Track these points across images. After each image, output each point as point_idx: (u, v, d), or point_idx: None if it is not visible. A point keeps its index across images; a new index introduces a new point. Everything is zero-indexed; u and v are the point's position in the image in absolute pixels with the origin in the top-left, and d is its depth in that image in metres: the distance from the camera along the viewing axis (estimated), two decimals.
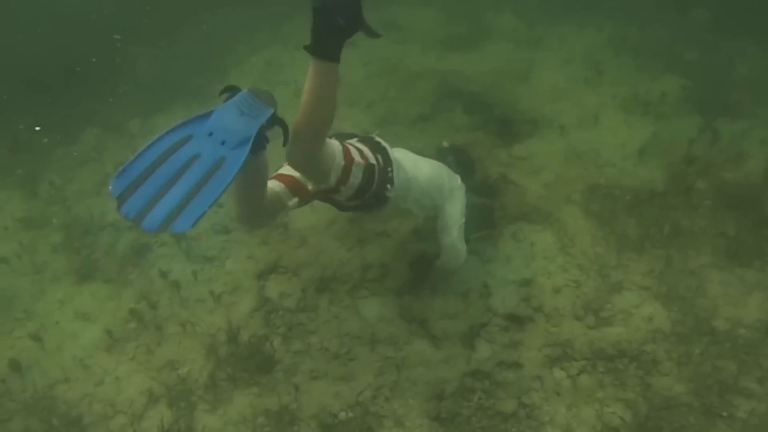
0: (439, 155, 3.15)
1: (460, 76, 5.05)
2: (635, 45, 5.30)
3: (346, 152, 2.20)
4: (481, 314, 3.07)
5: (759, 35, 5.08)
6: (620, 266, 3.18)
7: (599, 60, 5.11)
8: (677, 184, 3.60)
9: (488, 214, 3.53)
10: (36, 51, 5.72)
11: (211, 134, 1.59)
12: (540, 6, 6.11)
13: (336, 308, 3.17)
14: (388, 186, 2.47)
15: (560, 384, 2.74)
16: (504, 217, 3.56)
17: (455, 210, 2.91)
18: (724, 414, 2.50)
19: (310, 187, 2.24)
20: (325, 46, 1.60)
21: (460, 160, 3.22)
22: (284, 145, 1.77)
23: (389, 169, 2.47)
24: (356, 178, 2.24)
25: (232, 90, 1.68)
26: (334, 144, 2.15)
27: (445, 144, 3.34)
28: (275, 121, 1.68)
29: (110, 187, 1.51)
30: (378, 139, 2.58)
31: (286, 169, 2.21)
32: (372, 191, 2.38)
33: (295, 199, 2.23)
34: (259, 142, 1.67)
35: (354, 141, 2.45)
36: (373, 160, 2.35)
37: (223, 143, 1.58)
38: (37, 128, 5.20)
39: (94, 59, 5.73)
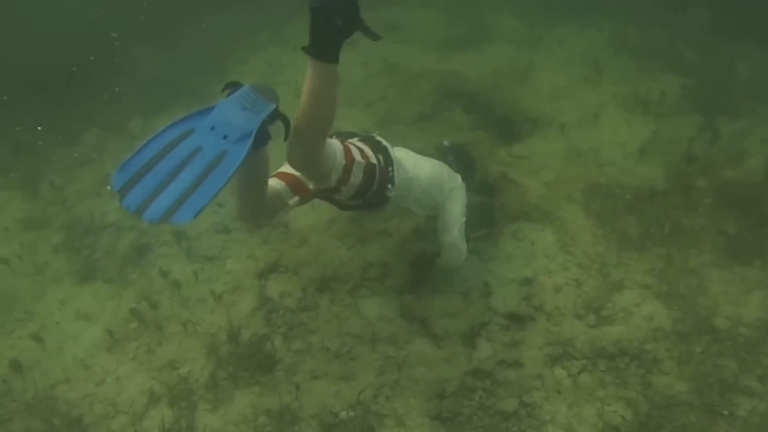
0: (440, 154, 3.15)
1: (460, 75, 5.05)
2: (635, 45, 5.31)
3: (347, 152, 2.20)
4: (482, 313, 3.07)
5: (758, 34, 5.09)
6: (621, 265, 3.18)
7: (599, 60, 5.12)
8: (678, 183, 3.61)
9: (489, 213, 3.53)
10: (36, 51, 5.72)
11: (213, 129, 1.60)
12: (540, 6, 6.12)
13: (337, 307, 3.17)
14: (389, 186, 2.47)
15: (561, 383, 2.74)
16: (504, 216, 3.56)
17: (456, 209, 2.92)
18: (725, 412, 2.50)
19: (310, 186, 2.24)
20: (324, 47, 1.60)
21: (460, 159, 3.22)
22: (285, 139, 1.78)
23: (390, 168, 2.48)
24: (357, 177, 2.24)
25: (234, 86, 1.69)
26: (335, 144, 2.15)
27: (446, 143, 3.34)
28: (277, 116, 1.69)
29: (112, 181, 1.52)
30: (379, 138, 2.58)
31: (287, 168, 2.21)
32: (373, 191, 2.38)
33: (296, 198, 2.23)
34: (261, 138, 1.68)
35: (355, 140, 2.45)
36: (374, 160, 2.35)
37: (225, 137, 1.58)
38: (39, 128, 5.21)
39: (94, 60, 5.73)
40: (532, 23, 5.93)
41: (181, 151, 1.57)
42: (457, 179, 3.04)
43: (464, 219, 2.94)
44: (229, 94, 1.67)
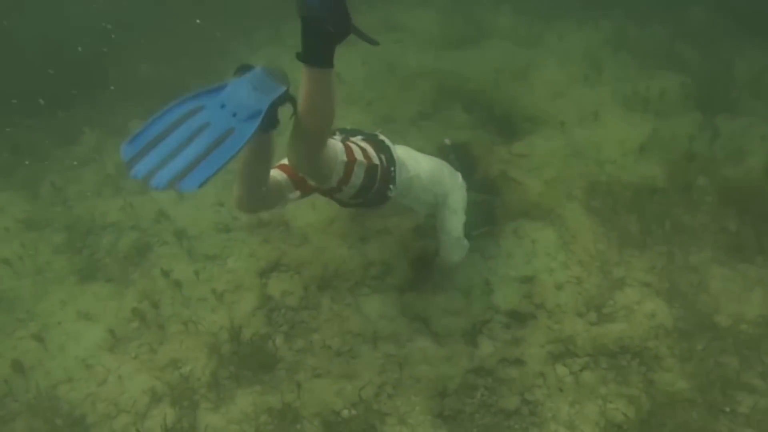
0: (441, 153, 3.15)
1: (459, 74, 5.05)
2: (634, 43, 5.31)
3: (349, 152, 2.20)
4: (483, 311, 3.07)
5: (758, 32, 5.09)
6: (622, 263, 3.18)
7: (599, 58, 5.12)
8: (678, 181, 3.61)
9: (489, 212, 3.53)
10: (36, 52, 5.71)
11: (223, 106, 1.64)
12: (539, 5, 6.12)
13: (338, 306, 3.17)
14: (391, 186, 2.47)
15: (563, 380, 2.74)
16: (505, 214, 3.56)
17: (456, 207, 2.92)
18: (727, 409, 2.50)
19: (312, 182, 2.25)
20: (316, 53, 1.59)
21: (461, 158, 3.23)
22: (291, 117, 1.79)
23: (392, 168, 2.47)
24: (358, 178, 2.24)
25: (246, 68, 1.73)
26: (336, 144, 2.15)
27: (447, 142, 3.35)
28: (287, 98, 1.72)
29: (121, 152, 1.57)
30: (382, 137, 2.58)
31: None
32: (374, 190, 2.38)
33: (297, 192, 2.24)
34: (270, 120, 1.70)
35: (358, 139, 2.45)
36: (376, 160, 2.35)
37: (234, 115, 1.62)
38: (39, 129, 5.19)
39: (93, 60, 5.73)
40: (532, 22, 5.93)
41: (190, 125, 1.61)
42: (458, 178, 3.04)
43: (464, 218, 2.95)
44: (241, 75, 1.70)
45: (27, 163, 4.84)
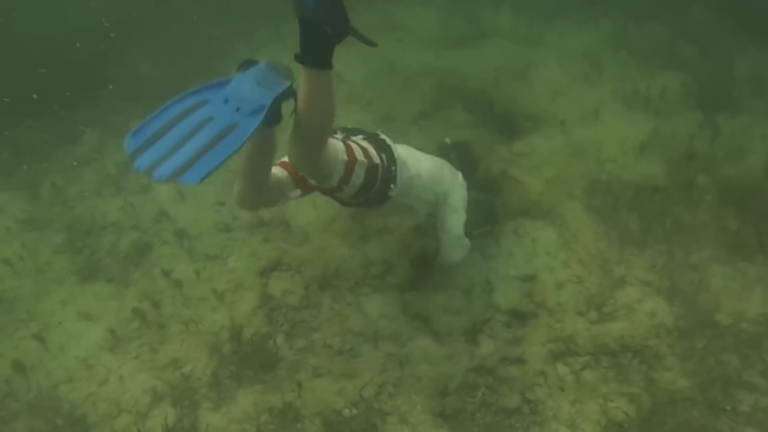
0: (441, 152, 3.15)
1: (460, 73, 5.04)
2: (635, 41, 5.30)
3: (350, 152, 2.19)
4: (484, 310, 3.07)
5: (758, 31, 5.09)
6: (622, 261, 3.18)
7: (599, 56, 5.12)
8: (678, 179, 3.61)
9: (490, 211, 3.53)
10: (36, 52, 5.71)
11: (226, 101, 1.64)
12: (539, 3, 6.11)
13: (339, 305, 3.17)
14: (392, 186, 2.47)
15: (564, 379, 2.74)
16: (505, 213, 3.56)
17: (457, 206, 2.92)
18: (728, 408, 2.50)
19: (312, 181, 2.25)
20: (315, 54, 1.58)
21: (462, 157, 3.22)
22: (291, 115, 1.80)
23: (393, 168, 2.47)
24: (359, 177, 2.23)
25: (250, 63, 1.73)
26: (337, 144, 2.15)
27: (448, 141, 3.35)
28: (291, 94, 1.72)
29: (124, 144, 1.58)
30: (383, 136, 2.58)
31: None
32: (375, 190, 2.38)
33: (298, 191, 2.24)
34: (273, 116, 1.70)
35: (359, 138, 2.44)
36: (377, 160, 2.34)
37: (237, 110, 1.63)
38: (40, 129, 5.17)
39: (94, 60, 5.72)
40: (532, 21, 5.92)
41: (194, 119, 1.62)
42: (458, 177, 3.04)
43: (465, 216, 2.94)
44: (245, 71, 1.71)
45: (26, 164, 4.84)
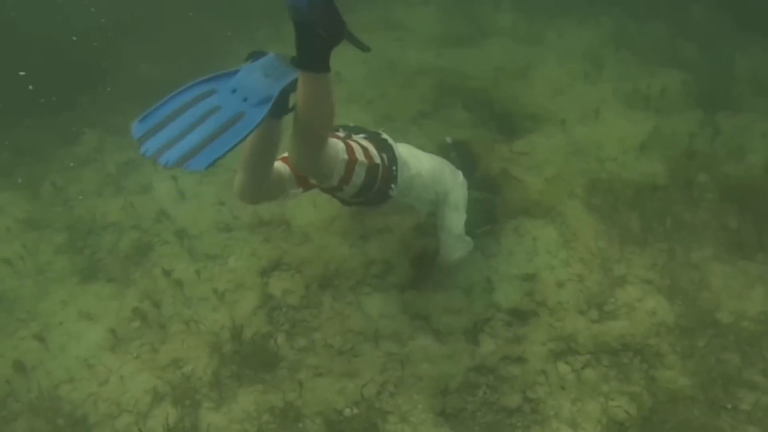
0: (442, 151, 3.15)
1: (460, 72, 5.05)
2: (635, 40, 5.30)
3: (350, 152, 2.19)
4: (485, 309, 3.07)
5: (759, 29, 5.08)
6: (623, 260, 3.18)
7: (599, 55, 5.12)
8: (679, 178, 3.60)
9: (490, 210, 3.53)
10: (36, 52, 5.71)
11: (234, 91, 1.66)
12: (539, 2, 6.11)
13: (339, 305, 3.17)
14: (392, 186, 2.47)
15: (565, 378, 2.74)
16: (506, 212, 3.56)
17: (457, 205, 2.92)
18: (729, 406, 2.50)
19: (313, 180, 2.26)
20: (311, 58, 1.57)
21: (463, 156, 3.22)
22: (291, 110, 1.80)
23: (394, 168, 2.46)
24: (359, 177, 2.23)
25: (258, 54, 1.75)
26: (338, 144, 2.15)
27: (449, 140, 3.35)
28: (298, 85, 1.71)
29: (132, 130, 1.61)
30: (385, 136, 2.57)
31: None
32: (375, 189, 2.38)
33: (300, 189, 2.24)
34: (280, 107, 1.70)
35: (360, 138, 2.44)
36: (377, 160, 2.34)
37: (245, 100, 1.64)
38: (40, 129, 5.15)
39: (94, 60, 5.72)
40: (532, 19, 5.92)
41: (201, 108, 1.63)
42: (459, 176, 3.04)
43: (465, 215, 2.94)
44: (253, 62, 1.72)
45: (26, 164, 4.84)
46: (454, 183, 2.94)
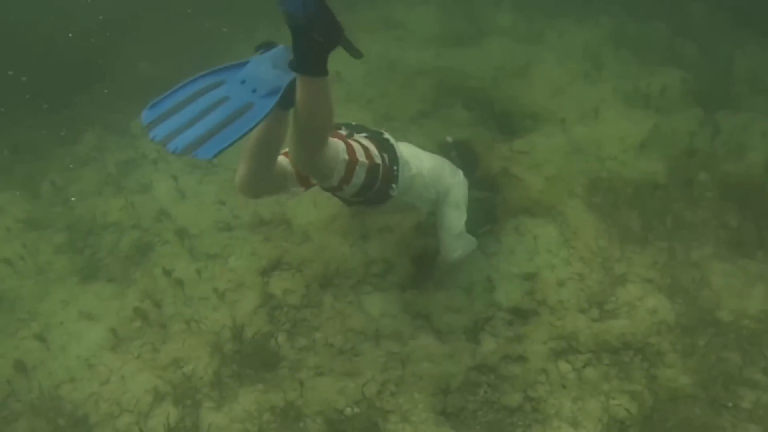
0: (442, 150, 3.15)
1: (459, 71, 5.04)
2: (635, 39, 5.30)
3: (351, 152, 2.19)
4: (486, 308, 3.07)
5: (758, 28, 5.09)
6: (624, 259, 3.18)
7: (599, 54, 5.11)
8: (679, 177, 3.61)
9: (490, 209, 3.53)
10: (35, 51, 5.70)
11: (243, 82, 1.68)
12: (539, 1, 6.10)
13: (340, 304, 3.17)
14: (393, 185, 2.46)
15: (566, 377, 2.74)
16: (506, 211, 3.56)
17: (457, 204, 2.91)
18: (730, 405, 2.50)
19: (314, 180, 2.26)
20: (308, 62, 1.57)
21: (463, 155, 3.22)
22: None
23: (395, 167, 2.46)
24: (359, 177, 2.23)
25: (268, 45, 1.76)
26: (338, 144, 2.14)
27: (449, 139, 3.34)
28: None
29: (141, 117, 1.64)
30: (386, 135, 2.57)
31: None
32: (375, 189, 2.38)
33: (301, 189, 2.24)
34: (289, 98, 1.70)
35: (362, 137, 2.44)
36: (378, 160, 2.33)
37: (254, 91, 1.66)
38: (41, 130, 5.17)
39: (93, 59, 5.72)
40: (532, 19, 5.92)
41: (210, 97, 1.66)
42: (459, 175, 3.04)
43: (466, 215, 2.94)
44: (262, 53, 1.74)
45: (26, 163, 4.83)
46: (454, 182, 2.93)
